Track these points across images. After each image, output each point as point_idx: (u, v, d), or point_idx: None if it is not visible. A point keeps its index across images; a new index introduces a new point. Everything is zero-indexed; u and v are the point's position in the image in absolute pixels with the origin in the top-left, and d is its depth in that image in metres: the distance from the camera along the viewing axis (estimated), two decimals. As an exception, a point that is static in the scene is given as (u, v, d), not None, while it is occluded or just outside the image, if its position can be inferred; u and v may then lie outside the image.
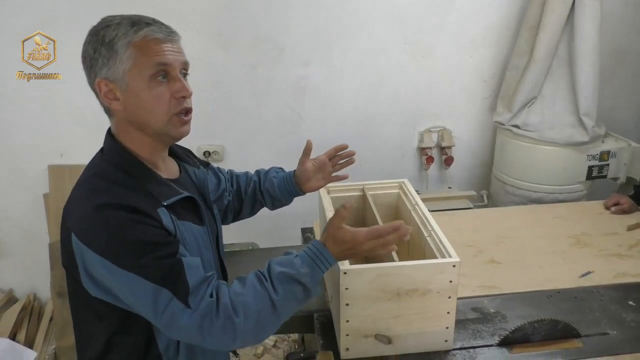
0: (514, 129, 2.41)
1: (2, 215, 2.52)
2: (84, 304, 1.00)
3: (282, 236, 2.14)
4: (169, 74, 1.00)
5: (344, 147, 1.44)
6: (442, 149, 2.69)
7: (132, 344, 1.01)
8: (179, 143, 1.25)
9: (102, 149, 1.07)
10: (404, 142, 2.69)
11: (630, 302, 1.46)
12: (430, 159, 2.67)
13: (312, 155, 1.41)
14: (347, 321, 1.21)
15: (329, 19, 2.38)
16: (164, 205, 0.98)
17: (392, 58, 2.50)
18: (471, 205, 2.31)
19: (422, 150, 2.69)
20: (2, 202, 2.49)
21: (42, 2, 2.24)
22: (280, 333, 2.31)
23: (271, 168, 1.47)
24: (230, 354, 1.33)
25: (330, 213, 1.44)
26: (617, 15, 2.54)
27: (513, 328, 1.30)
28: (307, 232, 1.90)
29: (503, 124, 2.46)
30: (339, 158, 1.44)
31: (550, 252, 1.74)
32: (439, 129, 2.67)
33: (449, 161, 2.68)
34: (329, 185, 1.58)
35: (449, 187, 2.57)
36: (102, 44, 0.96)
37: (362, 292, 1.18)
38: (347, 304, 1.19)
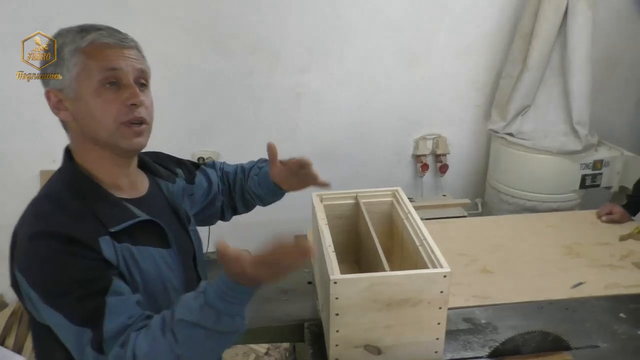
0: (508, 137, 2.41)
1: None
2: (39, 332, 0.95)
3: (275, 243, 2.13)
4: (121, 81, 0.94)
5: (304, 162, 1.23)
6: (437, 157, 2.69)
7: None
8: (157, 149, 1.20)
9: (59, 168, 1.01)
10: (399, 149, 2.69)
11: (622, 314, 1.45)
12: (425, 167, 2.67)
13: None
14: (337, 331, 1.20)
15: (325, 27, 2.39)
16: (110, 233, 0.91)
17: (387, 65, 2.50)
18: (465, 214, 2.31)
19: (417, 157, 2.69)
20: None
21: (42, 2, 2.23)
22: (271, 342, 2.29)
23: (259, 160, 1.37)
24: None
25: (323, 222, 1.44)
26: (609, 24, 2.56)
27: (504, 339, 1.29)
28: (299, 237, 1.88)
29: (497, 132, 2.47)
30: (305, 174, 1.25)
31: (542, 261, 1.73)
32: (434, 136, 2.67)
33: (443, 169, 2.68)
34: (322, 193, 1.58)
35: (444, 195, 2.57)
36: (51, 51, 0.94)
37: (353, 302, 1.17)
38: (337, 314, 1.18)
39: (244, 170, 1.35)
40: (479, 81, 2.59)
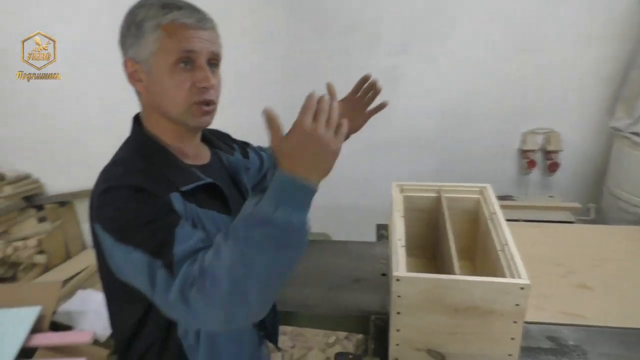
0: (634, 137, 2.12)
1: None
2: (113, 289, 1.00)
3: (356, 230, 2.09)
4: (194, 62, 0.96)
5: (366, 78, 1.34)
6: (546, 153, 2.45)
7: (154, 331, 1.01)
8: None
9: (129, 135, 1.07)
10: (504, 142, 2.50)
11: None
12: (532, 163, 2.45)
13: None
14: (398, 330, 1.14)
15: (429, 6, 2.26)
16: (180, 191, 0.95)
17: (496, 50, 2.31)
18: (573, 219, 2.07)
19: (523, 152, 2.48)
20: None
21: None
22: (335, 330, 2.24)
23: None
24: (273, 346, 1.30)
25: (398, 213, 1.37)
26: None
27: (592, 367, 1.14)
28: (381, 229, 1.83)
29: (621, 131, 2.18)
30: (365, 91, 1.34)
31: (657, 284, 1.50)
32: (545, 130, 2.43)
33: (553, 167, 2.44)
34: (402, 183, 1.51)
35: (551, 196, 2.34)
36: (133, 22, 0.95)
37: (416, 302, 1.10)
38: (398, 312, 1.12)
39: None
40: (603, 72, 2.30)
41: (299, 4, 2.31)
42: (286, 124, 2.42)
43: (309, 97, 0.82)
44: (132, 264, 0.88)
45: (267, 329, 1.24)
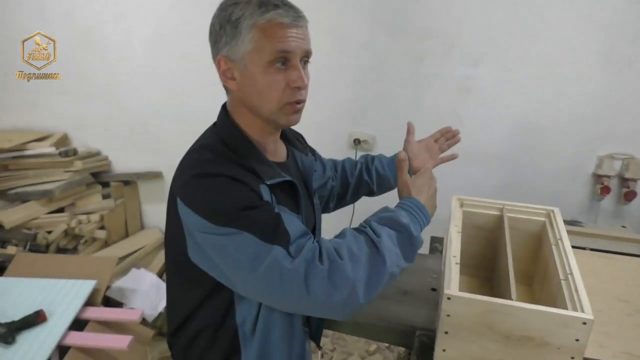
0: None
1: (175, 166, 2.84)
2: (181, 269, 1.03)
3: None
4: (289, 62, 0.97)
5: (449, 129, 1.45)
6: (623, 180, 2.29)
7: (212, 313, 1.03)
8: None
9: (215, 123, 1.09)
10: (576, 164, 2.35)
11: None
12: (605, 189, 2.29)
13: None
14: (444, 350, 1.09)
15: (509, 16, 2.16)
16: (265, 184, 0.97)
17: (579, 67, 2.18)
18: (646, 253, 1.93)
19: (597, 177, 2.33)
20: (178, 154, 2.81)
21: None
22: (378, 341, 2.21)
23: (379, 154, 1.48)
24: (314, 346, 1.29)
25: (455, 228, 1.32)
26: None
27: (653, 417, 1.04)
28: (435, 242, 1.77)
29: None
30: (445, 139, 1.44)
31: None
32: (624, 156, 2.27)
33: (630, 196, 2.28)
34: (463, 197, 1.45)
35: (623, 227, 2.19)
36: (228, 21, 0.95)
37: (466, 324, 1.04)
38: (446, 332, 1.06)
39: (366, 156, 1.46)
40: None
41: (377, 4, 2.27)
42: (350, 124, 2.38)
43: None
44: (235, 247, 0.89)
45: (312, 328, 1.23)
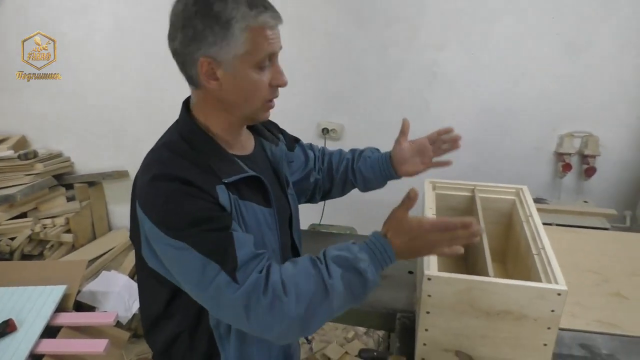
0: (678, 145, 2.04)
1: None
2: (147, 267, 1.01)
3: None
4: (272, 62, 0.97)
5: (449, 130, 1.28)
6: (583, 157, 2.38)
7: (185, 316, 1.02)
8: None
9: (177, 120, 1.06)
10: (539, 143, 2.43)
11: None
12: (567, 167, 2.37)
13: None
14: (426, 330, 1.11)
15: (473, 1, 2.20)
16: (223, 183, 0.94)
17: (540, 49, 2.24)
18: (608, 226, 2.00)
19: (559, 155, 2.41)
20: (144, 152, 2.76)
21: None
22: (360, 326, 2.24)
23: (367, 148, 1.38)
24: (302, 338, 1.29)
25: (430, 211, 1.34)
26: None
27: (626, 379, 1.09)
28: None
29: (665, 138, 2.09)
30: (442, 142, 1.28)
31: (697, 296, 1.44)
32: (583, 134, 2.36)
33: (589, 172, 2.37)
34: (435, 180, 1.47)
35: (585, 201, 2.27)
36: (217, 21, 0.90)
37: (446, 303, 1.07)
38: (427, 312, 1.09)
39: (353, 153, 1.37)
40: (651, 77, 2.21)
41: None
42: (318, 113, 2.36)
43: (461, 223, 0.90)
44: (183, 261, 0.89)
45: None
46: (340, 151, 1.39)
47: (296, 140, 1.34)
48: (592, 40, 2.20)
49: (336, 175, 1.35)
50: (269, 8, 0.94)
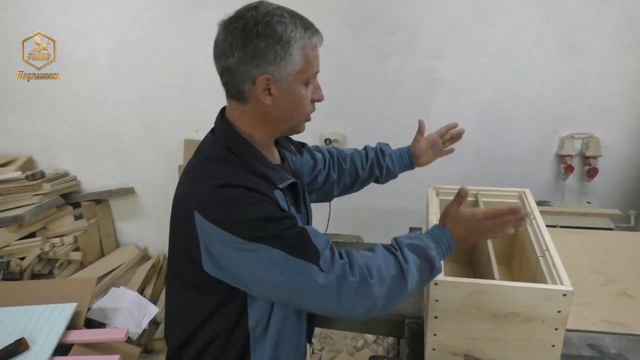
0: (679, 143, 2.05)
1: (146, 180, 2.82)
2: (189, 280, 1.03)
3: (388, 233, 2.06)
4: (314, 79, 1.06)
5: (455, 125, 1.53)
6: (585, 159, 2.39)
7: (225, 319, 1.04)
8: None
9: (212, 130, 1.10)
10: (541, 146, 2.45)
11: None
12: (569, 168, 2.39)
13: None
14: (435, 335, 1.13)
15: (468, 8, 2.23)
16: (279, 188, 1.01)
17: (537, 53, 2.27)
18: (612, 226, 2.01)
19: (561, 157, 2.42)
20: (149, 169, 2.79)
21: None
22: (369, 333, 2.26)
23: (379, 144, 1.55)
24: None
25: (435, 217, 1.36)
26: None
27: (635, 377, 1.10)
28: (414, 232, 1.81)
29: (665, 136, 2.11)
30: (449, 135, 1.53)
31: None
32: (584, 135, 2.38)
33: (592, 173, 2.38)
34: (438, 186, 1.50)
35: (589, 202, 2.28)
36: (278, 41, 0.96)
37: (454, 307, 1.08)
38: (435, 317, 1.10)
39: (375, 150, 1.53)
40: (648, 76, 2.23)
41: (339, 2, 2.31)
42: (320, 124, 2.39)
43: (509, 209, 1.02)
44: (261, 262, 0.92)
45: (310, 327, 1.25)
46: (358, 151, 1.53)
47: (302, 145, 1.40)
48: (588, 42, 2.22)
49: (362, 172, 1.49)
50: (318, 31, 1.04)
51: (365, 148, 1.54)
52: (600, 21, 2.18)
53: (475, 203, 1.45)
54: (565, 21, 2.20)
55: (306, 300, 0.95)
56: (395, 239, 1.04)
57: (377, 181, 1.54)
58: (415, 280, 0.99)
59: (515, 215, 1.01)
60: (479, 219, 1.02)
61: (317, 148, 1.47)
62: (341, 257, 0.96)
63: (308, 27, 1.01)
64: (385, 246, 1.02)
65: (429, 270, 1.01)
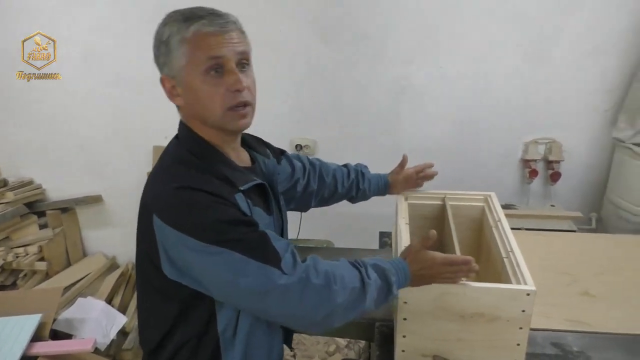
0: (636, 148, 2.13)
1: (115, 188, 2.77)
2: (154, 285, 1.03)
3: (359, 238, 2.09)
4: (224, 67, 0.99)
5: (431, 165, 1.56)
6: (548, 163, 2.47)
7: (194, 324, 1.03)
8: (257, 133, 1.27)
9: (176, 136, 1.10)
10: (506, 151, 2.51)
11: None
12: (533, 173, 2.46)
13: None
14: (404, 336, 1.14)
15: (437, 17, 2.28)
16: (240, 191, 1.00)
17: (503, 61, 2.33)
18: (575, 228, 2.08)
19: (525, 162, 2.49)
20: (117, 176, 2.75)
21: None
22: (341, 337, 2.27)
23: (359, 165, 1.58)
24: (287, 348, 1.32)
25: (403, 220, 1.38)
26: None
27: (596, 373, 1.14)
28: (385, 237, 1.83)
29: (623, 141, 2.19)
30: (424, 174, 1.54)
31: (660, 292, 1.51)
32: (547, 141, 2.45)
33: (555, 177, 2.45)
34: (407, 192, 1.53)
35: (552, 205, 2.35)
36: (161, 41, 1.00)
37: (422, 309, 1.10)
38: (404, 319, 1.12)
39: (356, 171, 1.56)
40: (608, 84, 2.31)
41: (307, 11, 2.32)
42: (291, 130, 2.40)
43: (463, 260, 1.07)
44: (221, 266, 0.91)
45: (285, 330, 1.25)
46: (340, 168, 1.56)
47: (282, 152, 1.40)
48: (550, 50, 2.29)
49: (341, 189, 1.52)
50: (206, 16, 0.99)
51: (346, 166, 1.57)
52: (561, 31, 2.25)
53: (443, 207, 1.48)
54: (529, 30, 2.27)
55: (269, 304, 0.94)
56: (358, 259, 1.06)
57: (350, 200, 1.58)
58: (373, 299, 1.01)
59: (467, 266, 1.05)
60: (436, 263, 1.05)
61: (298, 157, 1.47)
62: (305, 262, 0.98)
63: (190, 17, 0.98)
64: (349, 261, 1.05)
65: (386, 292, 1.03)
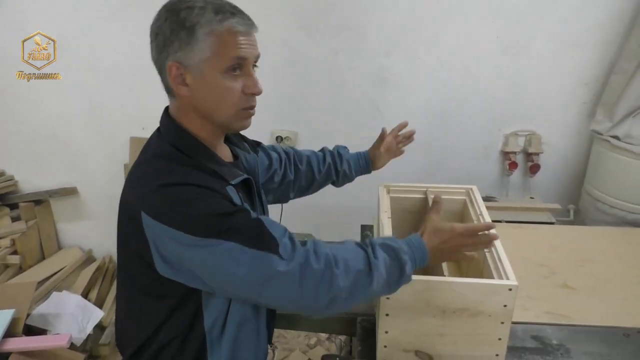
0: (613, 140, 2.16)
1: (90, 179, 2.71)
2: (144, 285, 1.00)
3: (341, 230, 2.07)
4: (243, 68, 0.98)
5: (405, 124, 1.55)
6: (528, 155, 2.48)
7: (180, 322, 1.01)
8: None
9: (158, 129, 1.06)
10: (486, 143, 2.51)
11: None
12: (513, 165, 2.47)
13: None
14: (386, 332, 1.14)
15: (417, 8, 2.25)
16: (231, 184, 0.98)
17: (482, 53, 2.32)
18: (554, 220, 2.10)
19: (505, 154, 2.50)
20: (93, 168, 2.68)
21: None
22: (322, 332, 2.26)
23: (337, 147, 1.54)
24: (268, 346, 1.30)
25: (385, 214, 1.37)
26: None
27: (575, 366, 1.15)
28: (366, 230, 1.82)
29: (601, 134, 2.21)
30: (402, 136, 1.55)
31: (637, 283, 1.53)
32: (527, 133, 2.46)
33: (534, 169, 2.47)
34: (389, 184, 1.52)
35: (532, 197, 2.37)
36: (182, 27, 0.93)
37: (405, 304, 1.09)
38: (387, 314, 1.11)
39: (332, 154, 1.52)
40: (586, 76, 2.32)
41: (288, 1, 2.28)
42: (271, 121, 2.37)
43: (485, 225, 1.03)
44: (217, 257, 0.88)
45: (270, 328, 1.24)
46: (315, 153, 1.51)
47: (258, 144, 1.38)
48: (529, 41, 2.29)
49: (318, 175, 1.47)
50: (237, 14, 0.97)
51: (322, 150, 1.53)
52: (540, 23, 2.26)
53: (425, 200, 1.48)
54: (509, 22, 2.26)
55: (269, 292, 0.90)
56: (370, 239, 1.01)
57: (334, 184, 1.54)
58: (383, 280, 0.95)
59: (487, 237, 1.02)
60: (457, 234, 1.00)
61: (273, 147, 1.44)
62: (305, 245, 0.93)
63: (221, 10, 0.95)
64: (356, 242, 1.00)
65: (399, 273, 0.97)
